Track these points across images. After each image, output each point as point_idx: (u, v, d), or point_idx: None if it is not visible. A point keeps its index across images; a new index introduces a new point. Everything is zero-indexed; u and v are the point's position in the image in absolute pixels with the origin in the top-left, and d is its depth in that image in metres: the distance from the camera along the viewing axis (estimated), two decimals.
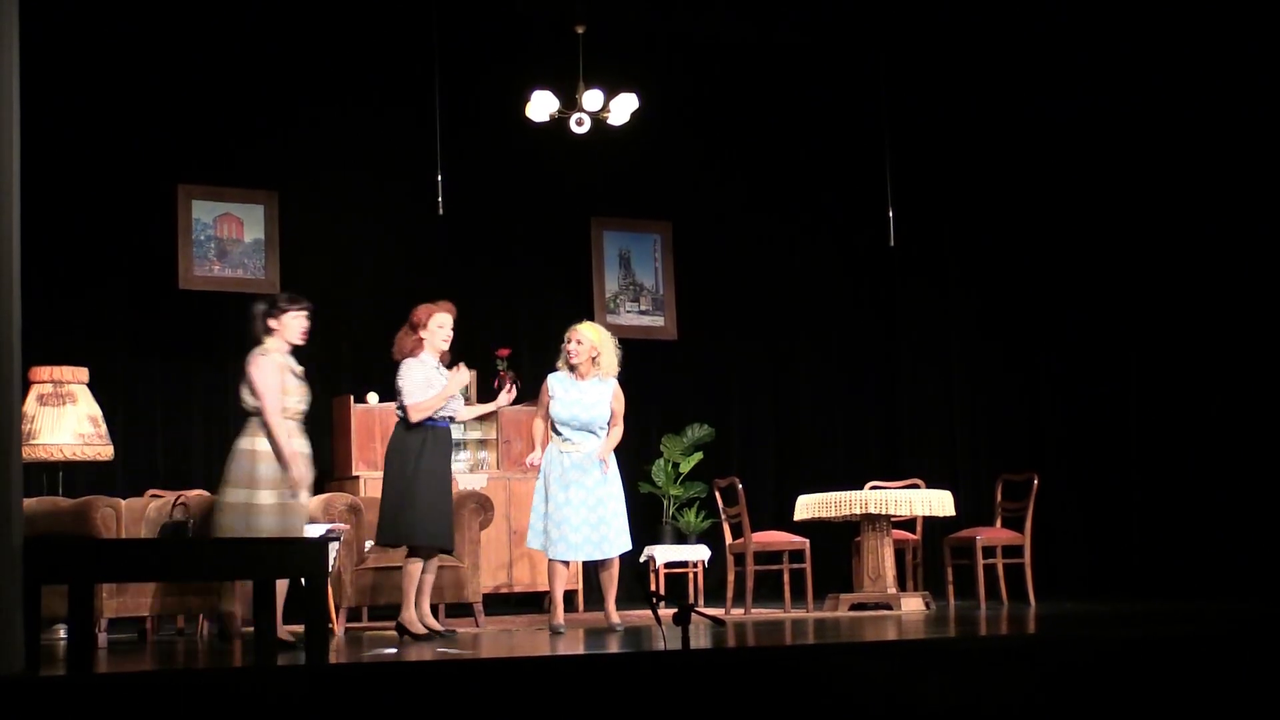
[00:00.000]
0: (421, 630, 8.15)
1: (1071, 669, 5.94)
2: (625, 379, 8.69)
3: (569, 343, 8.57)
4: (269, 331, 7.65)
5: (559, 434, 8.49)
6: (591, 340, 8.56)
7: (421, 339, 8.22)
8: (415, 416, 8.10)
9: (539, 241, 12.19)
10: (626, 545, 8.54)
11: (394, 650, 7.35)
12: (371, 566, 8.98)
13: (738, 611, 9.80)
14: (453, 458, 8.53)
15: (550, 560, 8.51)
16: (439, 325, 8.24)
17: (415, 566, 8.19)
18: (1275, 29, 10.44)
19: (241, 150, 11.11)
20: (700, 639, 7.16)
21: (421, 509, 8.06)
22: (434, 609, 8.72)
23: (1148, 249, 11.51)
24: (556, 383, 8.56)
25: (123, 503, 8.48)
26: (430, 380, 8.16)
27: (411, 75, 11.10)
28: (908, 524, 10.34)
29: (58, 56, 10.11)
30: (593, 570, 9.23)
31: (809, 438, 12.81)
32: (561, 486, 8.39)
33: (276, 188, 11.29)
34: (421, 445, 8.12)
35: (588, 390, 8.50)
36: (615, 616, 8.42)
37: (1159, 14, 10.91)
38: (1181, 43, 11.05)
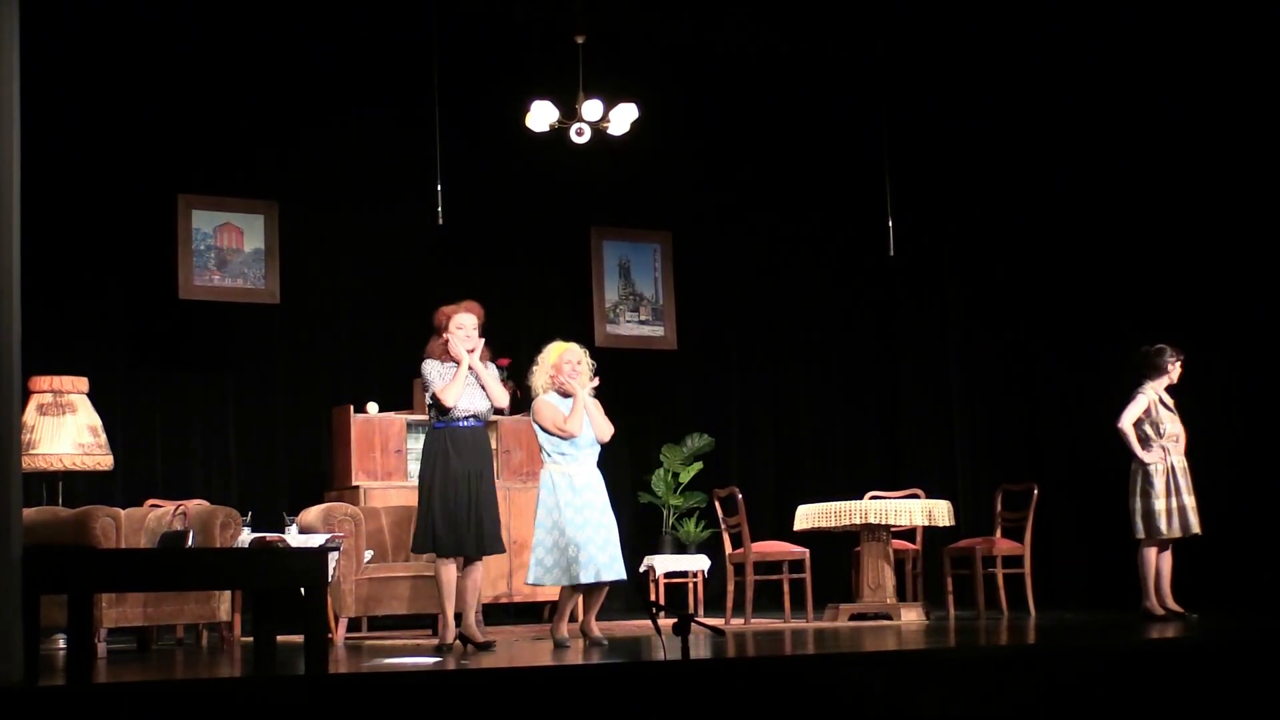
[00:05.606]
0: (479, 638, 8.00)
1: (1071, 679, 5.94)
2: (625, 389, 8.67)
3: (572, 365, 8.22)
4: (1162, 372, 9.38)
5: (564, 455, 8.12)
6: (583, 356, 8.34)
7: (445, 341, 8.12)
8: (448, 400, 7.91)
9: (539, 251, 12.19)
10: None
11: (392, 660, 7.34)
12: (371, 576, 8.98)
13: (738, 621, 9.79)
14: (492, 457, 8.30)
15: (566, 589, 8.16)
16: (457, 326, 8.10)
17: (445, 572, 7.98)
18: (1275, 31, 10.44)
19: (242, 160, 11.10)
20: (700, 649, 7.15)
21: (434, 516, 7.92)
22: (434, 618, 8.68)
23: (1147, 258, 11.50)
24: (558, 402, 8.22)
25: (122, 512, 8.48)
26: (444, 374, 8.08)
27: (411, 85, 11.08)
28: (907, 534, 10.33)
29: (58, 65, 10.11)
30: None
31: (809, 447, 12.80)
32: (576, 509, 8.04)
33: (277, 197, 11.27)
34: (440, 448, 7.98)
35: (588, 405, 8.25)
36: (597, 630, 8.16)
37: (1159, 21, 10.91)
38: (1181, 51, 11.05)
